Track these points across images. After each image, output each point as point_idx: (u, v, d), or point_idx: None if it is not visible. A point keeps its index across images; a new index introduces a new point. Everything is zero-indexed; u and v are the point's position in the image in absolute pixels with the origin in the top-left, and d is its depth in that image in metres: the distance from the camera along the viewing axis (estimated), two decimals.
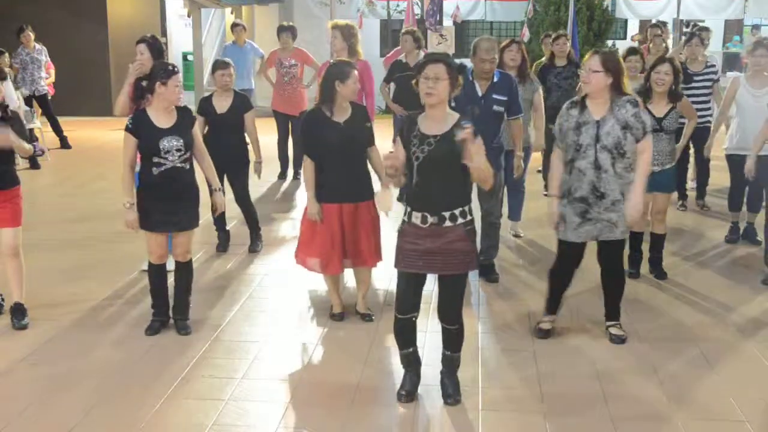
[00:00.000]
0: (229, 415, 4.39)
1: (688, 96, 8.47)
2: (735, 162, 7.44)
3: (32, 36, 12.36)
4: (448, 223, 4.25)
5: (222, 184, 7.16)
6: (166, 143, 5.16)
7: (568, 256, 5.29)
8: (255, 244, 7.41)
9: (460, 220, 4.27)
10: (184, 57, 19.81)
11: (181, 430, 4.26)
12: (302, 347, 5.32)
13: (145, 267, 6.07)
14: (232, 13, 18.06)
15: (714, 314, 5.93)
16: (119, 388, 4.70)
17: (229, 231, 7.49)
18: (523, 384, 4.78)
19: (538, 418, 4.37)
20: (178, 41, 21.45)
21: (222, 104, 7.11)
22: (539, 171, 9.93)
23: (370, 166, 5.57)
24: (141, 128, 5.19)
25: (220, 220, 7.35)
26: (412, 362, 4.59)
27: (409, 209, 4.33)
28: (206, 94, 8.48)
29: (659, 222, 6.61)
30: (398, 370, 4.71)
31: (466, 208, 4.31)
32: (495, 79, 6.12)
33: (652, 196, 6.38)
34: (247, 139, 7.28)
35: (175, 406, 4.49)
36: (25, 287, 5.63)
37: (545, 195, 9.50)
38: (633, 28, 18.55)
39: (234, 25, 13.08)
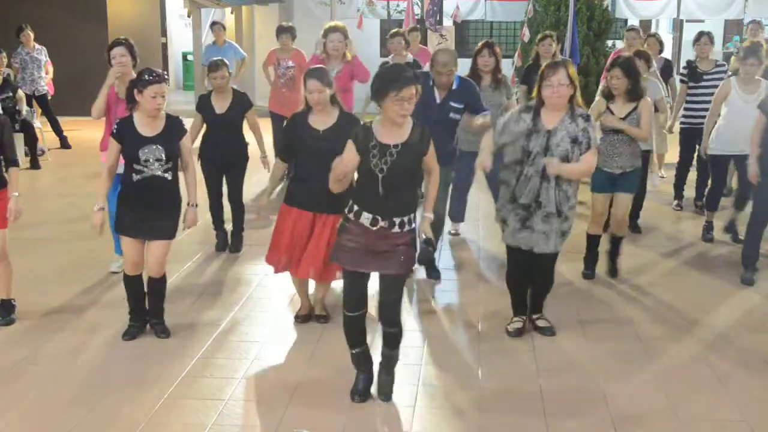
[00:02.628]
0: (229, 415, 4.39)
1: (698, 95, 8.51)
2: (719, 162, 7.59)
3: (32, 36, 12.36)
4: (396, 229, 4.28)
5: (221, 183, 7.25)
6: (146, 152, 5.06)
7: (515, 260, 5.34)
8: (237, 245, 7.36)
9: (407, 228, 4.32)
10: (184, 57, 19.83)
11: (181, 431, 4.26)
12: (302, 347, 5.31)
13: (114, 269, 6.47)
14: (231, 12, 18.05)
15: (706, 312, 5.94)
16: (119, 388, 4.70)
17: (227, 231, 7.47)
18: (521, 381, 4.79)
19: (534, 417, 4.38)
20: (178, 41, 21.47)
21: (221, 104, 7.08)
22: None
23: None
24: (124, 134, 5.13)
25: (218, 220, 7.36)
26: (362, 362, 4.59)
27: (356, 208, 4.30)
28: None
29: (620, 224, 6.53)
30: (401, 371, 4.70)
31: (413, 216, 4.35)
32: (453, 86, 6.16)
33: (613, 197, 6.39)
34: (247, 138, 7.28)
35: (175, 406, 4.49)
36: (23, 287, 5.62)
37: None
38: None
39: (212, 24, 13.00)
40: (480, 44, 7.35)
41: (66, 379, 4.80)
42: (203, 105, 7.15)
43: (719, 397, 4.64)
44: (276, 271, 5.62)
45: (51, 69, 12.69)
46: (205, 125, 7.17)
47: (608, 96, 6.32)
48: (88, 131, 13.49)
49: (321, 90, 5.22)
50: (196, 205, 5.43)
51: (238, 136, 7.18)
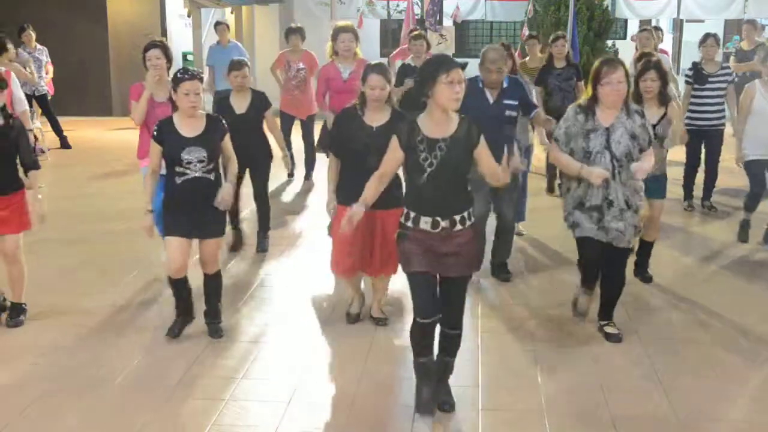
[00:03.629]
0: (229, 415, 4.39)
1: (703, 97, 8.48)
2: (755, 166, 7.49)
3: (33, 36, 12.37)
4: (458, 227, 4.18)
5: (241, 182, 7.11)
6: (188, 154, 5.03)
7: (590, 251, 5.27)
8: (263, 243, 7.34)
9: (468, 223, 4.23)
10: (184, 57, 19.79)
11: (181, 431, 4.26)
12: (303, 348, 5.31)
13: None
14: (231, 12, 18.04)
15: (713, 316, 5.94)
16: (119, 388, 4.70)
17: (241, 230, 7.47)
18: (526, 385, 4.79)
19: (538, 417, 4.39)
20: (178, 41, 21.39)
21: (240, 104, 7.05)
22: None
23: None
24: (165, 136, 5.10)
25: (235, 220, 7.32)
26: (428, 371, 4.38)
27: (413, 214, 4.20)
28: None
29: (652, 229, 6.44)
30: (395, 371, 4.70)
31: (471, 210, 4.26)
32: (505, 85, 6.22)
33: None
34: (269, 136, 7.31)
35: (175, 406, 4.49)
36: (25, 289, 5.62)
37: (548, 194, 9.57)
38: (633, 28, 18.53)
39: (216, 24, 12.95)
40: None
41: (65, 381, 4.80)
42: (222, 107, 7.08)
43: (721, 399, 4.64)
44: (346, 276, 5.60)
45: (51, 69, 12.70)
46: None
47: (637, 101, 5.98)
48: (88, 131, 13.52)
49: (384, 87, 5.17)
50: (232, 183, 5.34)
51: (260, 134, 7.16)
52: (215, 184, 5.18)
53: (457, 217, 4.18)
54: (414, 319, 4.29)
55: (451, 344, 4.40)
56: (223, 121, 5.35)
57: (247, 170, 7.14)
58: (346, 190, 5.27)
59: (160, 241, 5.70)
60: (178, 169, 5.06)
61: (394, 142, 4.21)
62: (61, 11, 15.73)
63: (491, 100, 6.17)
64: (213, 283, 5.43)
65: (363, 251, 5.36)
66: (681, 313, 5.95)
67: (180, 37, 21.38)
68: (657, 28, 11.22)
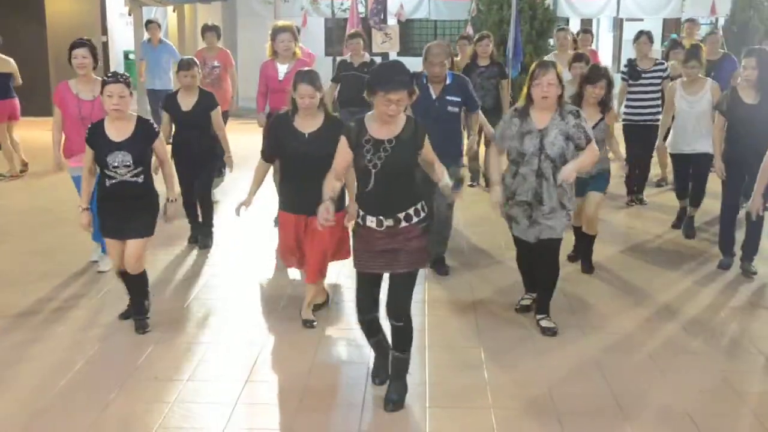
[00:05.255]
0: (174, 417, 4.35)
1: (637, 92, 8.73)
2: (678, 160, 7.95)
3: None
4: (403, 224, 4.26)
5: (192, 180, 7.28)
6: (113, 158, 5.07)
7: (524, 248, 5.56)
8: (206, 240, 7.42)
9: (415, 219, 4.28)
10: (126, 55, 19.51)
11: None
12: (249, 348, 5.28)
13: (101, 268, 6.63)
14: (174, 11, 17.83)
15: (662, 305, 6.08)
16: (62, 391, 4.63)
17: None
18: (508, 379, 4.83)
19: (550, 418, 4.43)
20: (119, 40, 21.10)
21: (187, 102, 7.18)
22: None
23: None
24: (94, 140, 5.15)
25: (192, 215, 7.46)
26: (381, 346, 4.64)
27: (362, 213, 4.30)
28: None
29: (591, 223, 6.59)
30: (343, 369, 4.72)
31: (419, 206, 4.31)
32: (448, 81, 6.36)
33: (584, 198, 6.42)
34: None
35: (120, 409, 4.43)
36: None
37: (470, 186, 9.83)
38: (574, 27, 18.80)
39: (148, 23, 12.98)
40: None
41: (4, 383, 4.71)
42: (169, 104, 7.26)
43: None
44: (290, 266, 5.85)
45: None
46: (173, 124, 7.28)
47: (577, 103, 6.10)
48: (29, 132, 13.19)
49: (313, 95, 5.17)
50: (175, 200, 5.50)
51: (206, 133, 7.22)
52: (144, 187, 5.23)
53: (402, 215, 4.24)
54: (357, 316, 4.53)
55: (398, 337, 4.42)
56: (155, 125, 5.35)
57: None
58: (284, 196, 5.47)
59: None
60: (106, 172, 5.11)
61: (343, 141, 4.26)
62: None
63: (434, 96, 6.31)
64: (136, 282, 5.48)
65: (301, 253, 5.54)
66: (618, 304, 6.08)
67: (121, 36, 21.09)
68: (586, 31, 11.49)
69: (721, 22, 17.53)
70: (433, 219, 6.43)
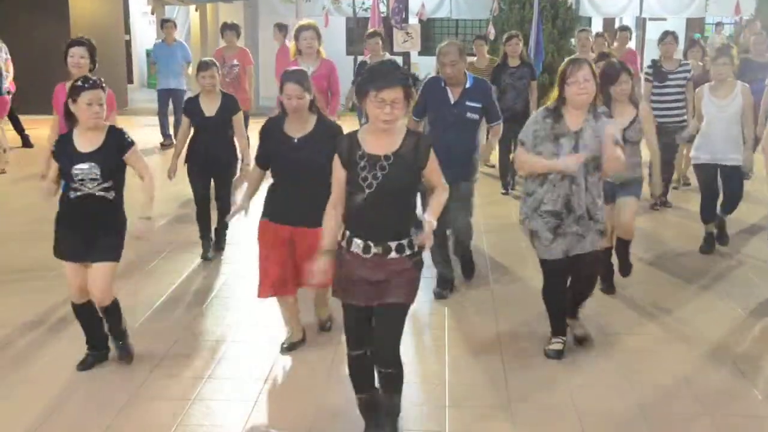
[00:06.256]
0: (195, 415, 4.36)
1: (663, 94, 8.56)
2: (704, 171, 7.22)
3: None
4: (393, 255, 3.70)
5: (208, 187, 7.01)
6: (79, 170, 4.50)
7: (552, 271, 4.99)
8: (220, 242, 7.22)
9: (407, 252, 3.72)
10: (148, 54, 19.64)
11: (147, 431, 4.23)
12: (269, 346, 5.28)
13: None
14: (196, 10, 17.93)
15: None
16: (83, 388, 4.66)
17: (212, 240, 7.22)
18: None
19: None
20: (142, 39, 21.28)
21: (210, 106, 6.84)
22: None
23: None
24: (61, 151, 4.62)
25: (205, 229, 7.10)
26: (370, 408, 3.99)
27: (348, 233, 3.77)
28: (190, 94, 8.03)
29: (627, 228, 6.03)
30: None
31: (413, 237, 3.72)
32: (468, 85, 5.89)
33: (616, 205, 5.86)
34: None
35: (140, 406, 4.46)
36: None
37: (503, 194, 9.58)
38: (597, 26, 18.70)
39: (164, 21, 12.97)
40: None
41: (25, 386, 4.75)
42: (190, 108, 6.92)
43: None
44: (266, 295, 5.10)
45: (11, 67, 12.51)
46: (192, 129, 6.95)
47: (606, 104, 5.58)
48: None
49: (301, 95, 4.73)
50: (149, 218, 4.87)
51: (227, 138, 6.93)
52: (112, 203, 4.65)
53: (393, 244, 3.69)
54: (346, 352, 3.94)
55: (388, 383, 3.91)
56: (128, 136, 4.71)
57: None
58: (271, 205, 4.97)
59: None
60: (72, 185, 4.57)
61: (336, 161, 3.75)
62: (23, 9, 15.53)
63: (453, 100, 5.87)
64: (108, 315, 4.82)
65: (283, 272, 4.95)
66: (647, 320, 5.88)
67: (143, 35, 21.25)
68: (624, 28, 11.23)
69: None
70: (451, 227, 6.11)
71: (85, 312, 4.83)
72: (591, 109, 4.78)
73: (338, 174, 3.76)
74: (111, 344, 4.95)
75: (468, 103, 5.88)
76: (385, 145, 3.67)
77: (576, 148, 4.71)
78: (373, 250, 3.70)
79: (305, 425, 4.29)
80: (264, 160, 5.00)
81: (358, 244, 3.72)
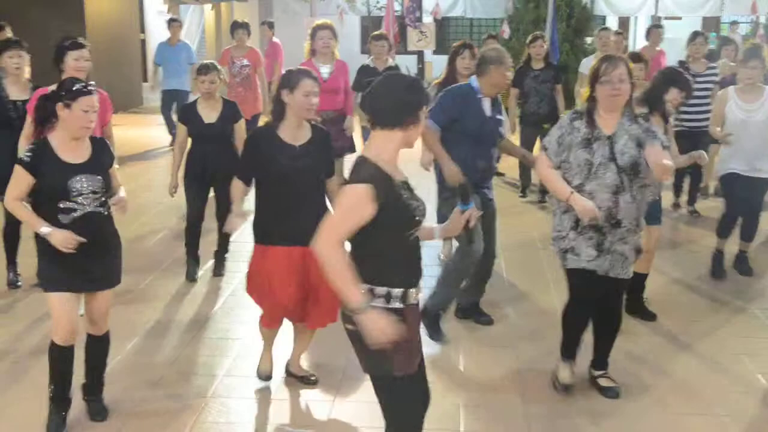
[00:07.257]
0: (211, 412, 4.38)
1: (691, 97, 8.16)
2: (728, 183, 6.65)
3: (10, 35, 12.24)
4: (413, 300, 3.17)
5: (205, 204, 6.52)
6: (78, 183, 3.91)
7: (583, 288, 4.46)
8: (220, 267, 6.67)
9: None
10: None
11: (163, 428, 4.25)
12: (285, 344, 5.28)
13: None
14: (212, 9, 18.00)
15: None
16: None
17: (199, 260, 6.71)
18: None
19: None
20: (157, 38, 21.32)
21: (209, 113, 6.29)
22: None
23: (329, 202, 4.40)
24: (43, 164, 3.91)
25: (194, 246, 6.60)
26: None
27: (398, 290, 3.03)
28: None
29: (647, 260, 5.59)
30: None
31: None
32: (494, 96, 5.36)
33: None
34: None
35: (156, 404, 4.48)
36: None
37: (520, 196, 9.33)
38: (612, 25, 18.65)
39: (171, 21, 12.82)
40: (457, 44, 6.69)
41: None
42: (187, 116, 6.35)
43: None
44: (276, 326, 4.63)
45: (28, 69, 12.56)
46: (190, 138, 6.39)
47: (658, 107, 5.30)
48: None
49: (317, 93, 4.30)
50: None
51: (228, 147, 6.27)
52: (109, 219, 4.14)
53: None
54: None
55: None
56: (109, 145, 4.29)
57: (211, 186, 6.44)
58: (270, 226, 4.33)
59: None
60: (63, 204, 3.91)
61: (367, 200, 2.92)
62: (38, 9, 15.61)
63: (488, 113, 5.28)
64: (101, 346, 4.30)
65: (295, 297, 4.35)
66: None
67: (159, 34, 21.28)
68: (657, 26, 10.88)
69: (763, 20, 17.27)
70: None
71: (68, 357, 4.12)
72: (626, 111, 4.34)
73: (362, 210, 2.93)
74: (84, 398, 4.35)
75: (498, 117, 5.38)
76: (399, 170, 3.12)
77: (611, 154, 4.25)
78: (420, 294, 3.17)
79: (321, 421, 4.31)
80: (249, 174, 4.42)
81: (412, 293, 3.09)
